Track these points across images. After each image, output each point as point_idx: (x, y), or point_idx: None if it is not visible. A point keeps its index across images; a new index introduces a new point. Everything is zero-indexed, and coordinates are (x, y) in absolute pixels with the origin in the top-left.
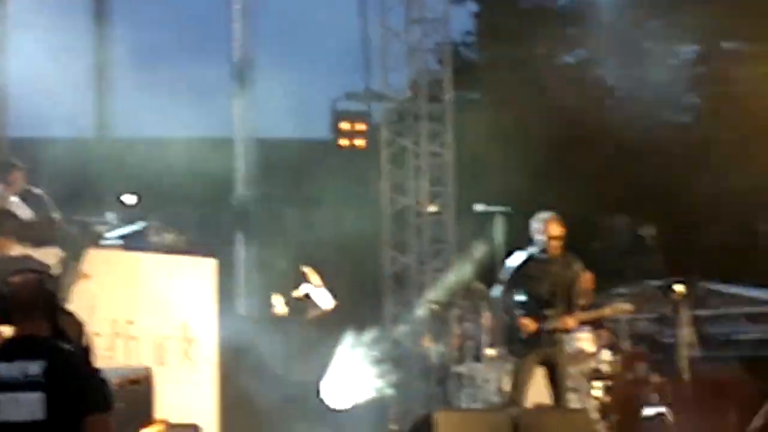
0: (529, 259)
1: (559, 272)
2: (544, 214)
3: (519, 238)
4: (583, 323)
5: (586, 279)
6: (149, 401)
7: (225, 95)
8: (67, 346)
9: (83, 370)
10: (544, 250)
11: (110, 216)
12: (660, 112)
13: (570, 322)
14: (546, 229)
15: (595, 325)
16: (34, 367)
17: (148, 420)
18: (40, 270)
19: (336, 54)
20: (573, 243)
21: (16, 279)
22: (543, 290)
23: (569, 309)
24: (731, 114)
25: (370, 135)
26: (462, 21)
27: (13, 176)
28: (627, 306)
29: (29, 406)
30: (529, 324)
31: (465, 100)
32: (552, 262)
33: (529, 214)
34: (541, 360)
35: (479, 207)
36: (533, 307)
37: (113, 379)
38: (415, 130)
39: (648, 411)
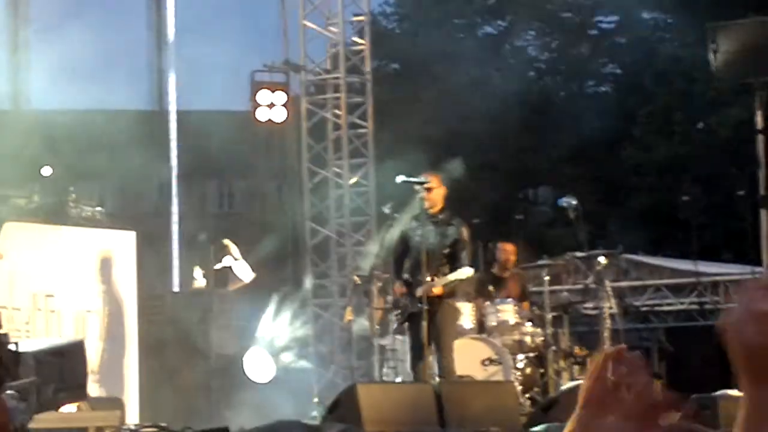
0: (413, 217)
1: (434, 235)
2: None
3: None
4: (493, 295)
5: (506, 250)
6: (82, 374)
7: (146, 67)
8: None
9: None
10: (422, 213)
11: (29, 189)
12: (581, 83)
13: (436, 289)
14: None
15: (519, 296)
16: None
17: (81, 392)
18: None
19: (255, 25)
20: (497, 215)
21: None
22: (420, 254)
23: (450, 273)
24: (653, 84)
25: (289, 107)
26: None
27: None
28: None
29: None
30: (396, 289)
31: (385, 70)
32: (428, 225)
33: (451, 185)
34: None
35: (400, 178)
36: (415, 273)
37: (42, 352)
38: (335, 102)
39: (570, 383)
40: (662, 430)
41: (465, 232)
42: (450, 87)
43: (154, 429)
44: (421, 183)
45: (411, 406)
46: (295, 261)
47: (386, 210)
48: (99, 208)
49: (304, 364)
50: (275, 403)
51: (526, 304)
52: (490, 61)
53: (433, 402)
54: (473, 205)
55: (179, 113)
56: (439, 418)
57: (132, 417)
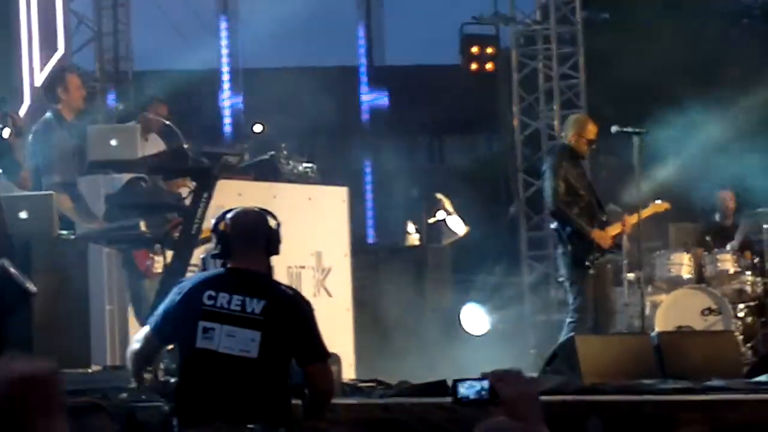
0: (568, 160)
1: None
2: (578, 115)
3: (654, 160)
4: (712, 244)
5: (725, 197)
6: None
7: (351, 23)
8: (288, 290)
9: (305, 317)
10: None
11: (240, 146)
12: None
13: (629, 223)
14: (585, 129)
15: (741, 245)
16: (255, 305)
17: None
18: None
19: None
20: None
21: (239, 212)
22: (590, 194)
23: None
24: None
25: (500, 59)
26: None
27: (153, 109)
28: (665, 204)
29: (244, 342)
30: (605, 236)
31: (595, 20)
32: (583, 164)
33: (664, 135)
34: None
35: (614, 128)
36: (590, 212)
37: None
38: (545, 53)
39: None
40: None
41: None
42: (662, 35)
43: (371, 384)
44: (637, 133)
45: (630, 357)
46: (507, 214)
47: None
48: (311, 164)
49: (519, 316)
50: (492, 357)
51: (748, 254)
52: (704, 8)
53: (652, 353)
54: None
55: (390, 68)
56: (658, 368)
57: (348, 372)
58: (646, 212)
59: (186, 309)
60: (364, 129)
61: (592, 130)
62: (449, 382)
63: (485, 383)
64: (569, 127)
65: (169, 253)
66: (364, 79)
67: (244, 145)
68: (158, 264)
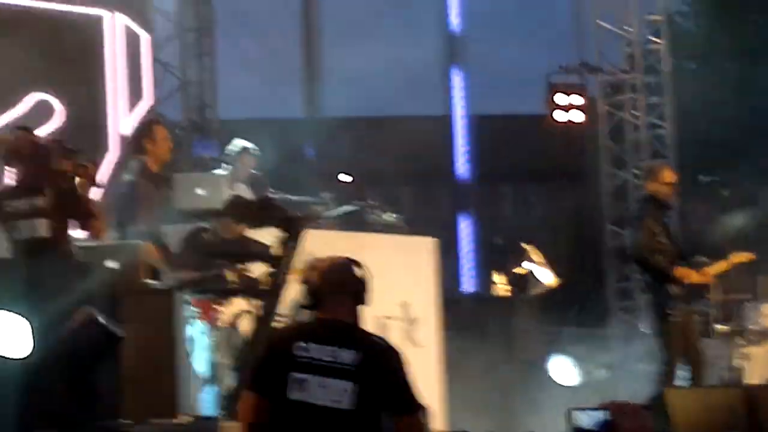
0: (654, 210)
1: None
2: (652, 164)
3: (744, 208)
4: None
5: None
6: None
7: (438, 72)
8: (380, 340)
9: (397, 368)
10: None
11: (327, 196)
12: None
13: (709, 274)
14: (661, 176)
15: None
16: (347, 355)
17: None
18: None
19: (548, 28)
20: None
21: (326, 260)
22: (674, 244)
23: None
24: None
25: (587, 109)
26: None
27: (243, 160)
28: (748, 255)
29: (336, 393)
30: (688, 273)
31: (682, 70)
32: (668, 214)
33: (751, 184)
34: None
35: (702, 178)
36: (673, 264)
37: None
38: (632, 102)
39: None
40: None
41: None
42: (750, 85)
43: None
44: (724, 183)
45: (721, 411)
46: (596, 264)
47: None
48: (397, 215)
49: (608, 367)
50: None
51: None
52: None
53: (745, 406)
54: None
55: (474, 117)
56: (750, 422)
57: (436, 424)
58: (729, 263)
59: (278, 360)
60: (458, 179)
61: (668, 175)
62: None
63: (604, 414)
64: (647, 177)
65: (256, 303)
66: (456, 127)
67: (331, 194)
68: (223, 316)
